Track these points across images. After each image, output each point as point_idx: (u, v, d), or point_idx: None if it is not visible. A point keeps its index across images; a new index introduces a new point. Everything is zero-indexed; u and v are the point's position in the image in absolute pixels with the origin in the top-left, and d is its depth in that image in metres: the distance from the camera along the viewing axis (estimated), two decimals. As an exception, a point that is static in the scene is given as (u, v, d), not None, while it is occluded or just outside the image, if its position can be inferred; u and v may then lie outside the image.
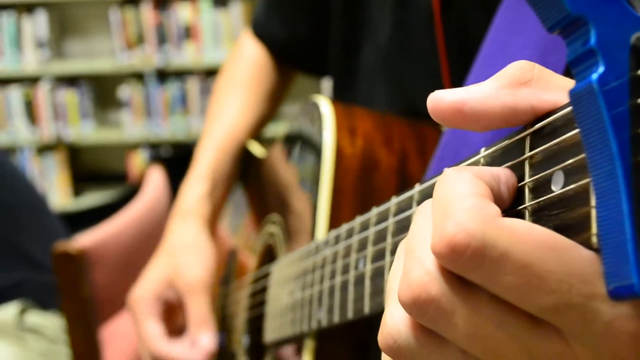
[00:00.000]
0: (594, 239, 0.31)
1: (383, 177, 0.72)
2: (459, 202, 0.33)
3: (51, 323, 1.71)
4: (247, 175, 1.05)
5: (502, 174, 0.36)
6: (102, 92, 4.06)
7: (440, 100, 0.37)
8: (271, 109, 1.11)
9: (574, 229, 0.32)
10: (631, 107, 0.29)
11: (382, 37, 0.86)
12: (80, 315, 1.43)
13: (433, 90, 0.81)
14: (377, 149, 0.73)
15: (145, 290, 0.93)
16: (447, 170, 0.36)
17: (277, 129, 0.88)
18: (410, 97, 0.83)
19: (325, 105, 0.76)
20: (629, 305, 0.31)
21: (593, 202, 0.31)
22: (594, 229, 0.31)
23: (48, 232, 1.80)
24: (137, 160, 3.90)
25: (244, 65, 1.10)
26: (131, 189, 2.06)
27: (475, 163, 0.40)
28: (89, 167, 4.15)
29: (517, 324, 0.33)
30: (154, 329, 0.91)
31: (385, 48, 0.85)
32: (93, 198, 3.77)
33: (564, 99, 0.34)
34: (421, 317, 0.34)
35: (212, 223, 1.00)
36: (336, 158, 0.71)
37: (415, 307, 0.34)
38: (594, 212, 0.31)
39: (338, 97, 0.98)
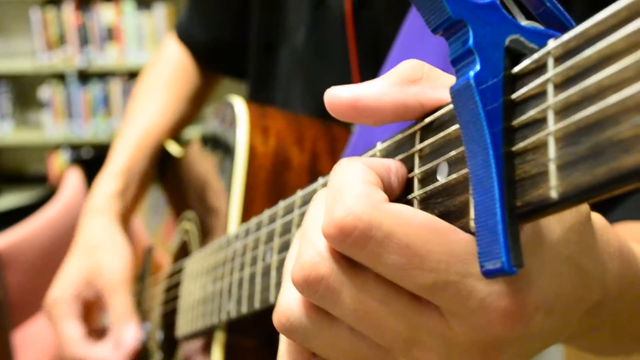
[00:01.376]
0: (472, 223, 0.33)
1: (295, 175, 0.74)
2: (348, 188, 0.35)
3: None
4: (165, 175, 1.06)
5: (393, 164, 0.38)
6: (22, 92, 3.96)
7: (336, 96, 0.38)
8: (192, 111, 1.11)
9: (455, 215, 0.35)
10: (504, 102, 0.32)
11: (299, 39, 0.88)
12: (-8, 318, 1.40)
13: None
14: (289, 148, 0.75)
15: (63, 291, 0.91)
16: (341, 160, 0.38)
17: (198, 131, 0.89)
18: (322, 101, 0.85)
19: (239, 105, 0.77)
20: (501, 283, 0.33)
21: (471, 190, 0.33)
22: (472, 214, 0.33)
23: None
24: (58, 162, 3.83)
25: (166, 67, 1.10)
26: (51, 190, 2.02)
27: (372, 156, 0.42)
28: (8, 168, 4.05)
29: (400, 302, 0.35)
30: (73, 331, 0.89)
31: (301, 50, 0.87)
32: (12, 199, 3.68)
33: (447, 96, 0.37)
34: (311, 295, 0.36)
35: (125, 220, 0.99)
36: (249, 156, 0.73)
37: (306, 285, 0.36)
38: (472, 199, 0.33)
39: (255, 98, 0.99)
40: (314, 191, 0.49)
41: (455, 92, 0.33)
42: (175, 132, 1.08)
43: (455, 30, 0.33)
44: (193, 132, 1.04)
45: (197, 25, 1.07)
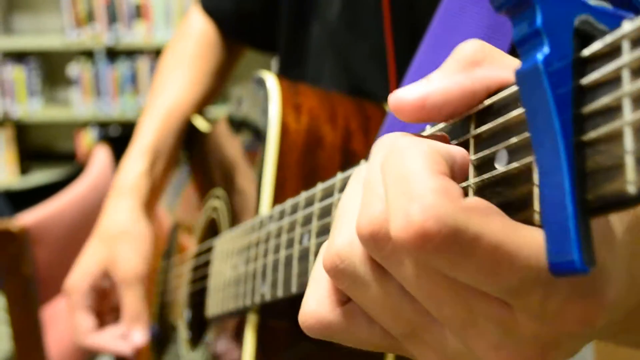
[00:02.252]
0: (536, 217, 0.31)
1: (327, 154, 0.71)
2: (420, 181, 0.30)
3: None
4: (191, 150, 1.03)
5: (458, 153, 0.34)
6: (51, 69, 3.95)
7: (402, 99, 0.35)
8: (217, 85, 1.08)
9: (516, 206, 0.32)
10: (574, 88, 0.29)
11: (331, 13, 0.85)
12: (22, 294, 1.39)
13: (378, 69, 0.80)
14: (322, 126, 0.72)
15: (80, 280, 0.92)
16: (400, 140, 0.34)
17: (226, 110, 0.87)
18: (355, 75, 0.83)
19: (271, 81, 0.74)
20: (583, 282, 0.31)
21: (536, 180, 0.31)
22: (536, 206, 0.31)
23: None
24: (86, 139, 3.81)
25: (191, 40, 1.06)
26: (78, 168, 2.01)
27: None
28: (37, 145, 4.05)
29: (464, 284, 0.32)
30: (85, 322, 0.91)
31: (334, 24, 0.84)
32: (40, 176, 3.68)
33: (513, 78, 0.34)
34: (374, 251, 0.33)
35: (151, 200, 0.97)
36: (281, 134, 0.70)
37: (372, 241, 0.33)
38: (536, 190, 0.31)
39: (285, 74, 0.96)
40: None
41: (521, 75, 0.30)
42: (201, 107, 1.05)
43: (522, 10, 0.30)
44: (221, 111, 1.01)
45: None
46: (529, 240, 0.30)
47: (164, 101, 1.01)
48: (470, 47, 0.35)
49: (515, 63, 0.35)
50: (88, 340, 0.91)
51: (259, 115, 0.74)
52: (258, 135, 0.74)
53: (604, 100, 0.28)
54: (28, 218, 1.40)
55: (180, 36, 1.09)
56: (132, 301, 0.89)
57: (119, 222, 0.92)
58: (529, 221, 0.31)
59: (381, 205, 0.33)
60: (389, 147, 0.34)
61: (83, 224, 1.58)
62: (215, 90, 1.08)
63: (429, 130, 0.39)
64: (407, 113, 0.35)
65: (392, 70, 0.77)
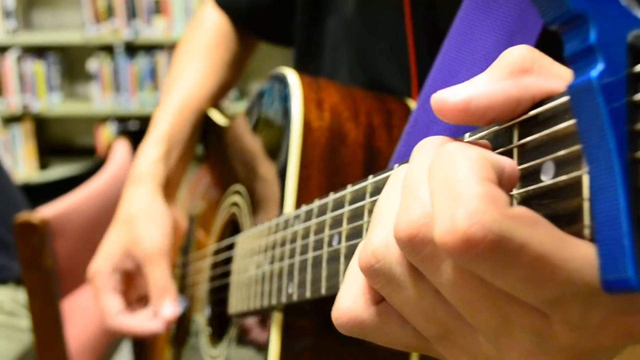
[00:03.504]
0: (587, 231, 0.30)
1: (350, 151, 0.70)
2: (468, 186, 0.29)
3: (7, 297, 1.66)
4: (208, 143, 1.02)
5: (507, 163, 0.33)
6: (71, 64, 3.95)
7: (445, 100, 0.34)
8: (232, 77, 1.06)
9: (565, 220, 0.31)
10: (628, 104, 0.28)
11: (348, 7, 0.83)
12: (42, 286, 1.38)
13: (396, 64, 0.78)
14: (345, 123, 0.71)
15: (103, 263, 0.90)
16: (448, 146, 0.33)
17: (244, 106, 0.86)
18: (373, 71, 0.81)
19: (292, 77, 0.73)
20: (630, 298, 0.30)
21: (585, 194, 0.30)
22: (586, 220, 0.30)
23: (9, 204, 1.73)
24: (106, 134, 3.80)
25: (206, 32, 1.05)
26: (98, 162, 2.00)
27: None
28: (57, 140, 4.05)
29: (502, 292, 0.31)
30: (112, 304, 0.88)
31: (350, 19, 0.83)
32: (60, 171, 3.67)
33: (559, 88, 0.33)
34: (412, 255, 0.33)
35: (168, 187, 0.95)
36: (304, 131, 0.69)
37: (410, 245, 0.32)
38: (586, 205, 0.30)
39: (300, 68, 0.94)
40: (387, 177, 0.45)
41: (574, 91, 0.29)
42: (216, 99, 1.04)
43: (574, 25, 0.29)
44: (240, 108, 0.99)
45: None
46: (575, 253, 0.29)
47: (180, 92, 0.99)
48: (519, 53, 0.34)
49: (564, 72, 0.34)
50: (117, 321, 0.88)
51: (281, 112, 0.73)
52: (280, 133, 0.72)
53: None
54: (48, 211, 1.39)
55: (194, 29, 1.07)
56: (157, 276, 0.86)
57: (137, 205, 0.91)
58: (578, 235, 0.30)
59: (421, 209, 0.32)
60: (437, 151, 0.33)
61: (103, 217, 1.58)
62: (231, 82, 1.07)
63: (468, 137, 0.38)
64: (450, 114, 0.34)
65: (413, 66, 0.75)
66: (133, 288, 0.91)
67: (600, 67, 0.28)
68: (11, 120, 3.83)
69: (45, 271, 1.38)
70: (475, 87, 0.34)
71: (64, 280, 1.43)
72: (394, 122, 0.73)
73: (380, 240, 0.35)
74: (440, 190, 0.30)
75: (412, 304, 0.35)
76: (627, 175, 0.27)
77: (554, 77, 0.34)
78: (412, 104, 0.75)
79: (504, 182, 0.33)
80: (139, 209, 0.90)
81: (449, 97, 0.34)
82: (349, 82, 0.83)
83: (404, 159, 0.67)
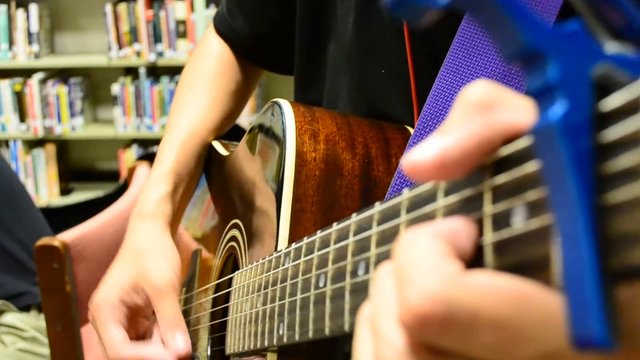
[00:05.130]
0: (556, 280, 0.28)
1: (346, 183, 0.68)
2: (417, 266, 0.30)
3: (28, 324, 1.66)
4: (211, 173, 1.01)
5: (460, 225, 0.32)
6: (94, 88, 3.99)
7: (417, 161, 0.32)
8: (237, 107, 1.05)
9: (535, 268, 0.29)
10: (593, 145, 0.26)
11: (348, 34, 0.82)
12: (61, 311, 1.37)
13: (396, 90, 0.76)
14: (340, 153, 0.69)
15: (110, 294, 0.86)
16: (403, 235, 0.33)
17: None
18: (373, 98, 0.80)
19: (286, 107, 0.72)
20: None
21: (555, 241, 0.28)
22: (554, 269, 0.28)
23: (32, 230, 1.75)
24: (128, 158, 3.82)
25: (209, 62, 1.04)
26: (120, 186, 2.01)
27: (435, 187, 0.36)
28: (79, 164, 4.08)
29: None
30: (118, 335, 0.84)
31: (350, 45, 0.81)
32: (83, 195, 3.69)
33: (529, 122, 0.31)
34: None
35: (174, 224, 0.94)
36: (297, 163, 0.67)
37: None
38: (554, 252, 0.28)
39: (301, 95, 0.93)
40: (370, 217, 0.44)
41: (536, 133, 0.27)
42: (221, 130, 1.02)
43: (534, 62, 0.27)
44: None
45: (237, 18, 1.01)
46: (540, 310, 0.28)
47: (184, 124, 0.98)
48: (478, 90, 0.32)
49: (530, 104, 0.32)
50: (123, 352, 0.83)
51: (275, 144, 0.72)
52: (274, 165, 0.71)
53: (625, 160, 0.25)
54: (69, 235, 1.40)
55: (197, 58, 1.07)
56: (168, 310, 0.83)
57: (146, 241, 0.89)
58: (548, 284, 0.28)
59: (389, 350, 0.31)
60: (397, 245, 0.33)
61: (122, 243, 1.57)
62: (236, 110, 1.05)
63: (406, 191, 0.37)
64: (427, 175, 0.32)
65: (413, 92, 0.74)
66: (132, 326, 0.89)
67: (561, 107, 0.26)
68: (34, 144, 3.88)
69: (65, 296, 1.37)
70: (445, 137, 0.32)
71: (84, 306, 1.42)
72: (393, 151, 0.72)
73: None
74: (398, 277, 0.31)
75: None
76: (593, 222, 0.26)
77: (519, 109, 0.32)
78: (412, 131, 0.73)
79: (463, 243, 0.32)
80: (148, 244, 0.88)
81: (421, 158, 0.32)
82: (349, 109, 0.82)
83: (402, 188, 0.66)
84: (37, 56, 3.76)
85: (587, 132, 0.26)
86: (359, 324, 0.36)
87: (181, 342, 0.82)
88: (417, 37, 0.73)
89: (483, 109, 0.32)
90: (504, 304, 0.28)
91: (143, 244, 0.88)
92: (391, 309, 0.32)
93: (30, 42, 3.76)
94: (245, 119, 3.40)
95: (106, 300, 0.86)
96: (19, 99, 3.78)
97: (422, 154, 0.32)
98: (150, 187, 0.93)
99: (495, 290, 0.28)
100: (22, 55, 3.76)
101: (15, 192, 1.79)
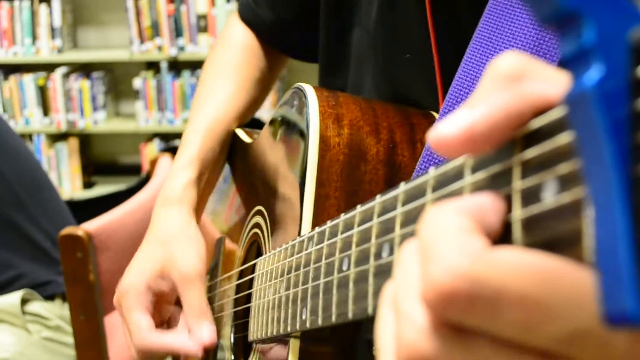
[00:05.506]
0: (587, 255, 0.27)
1: (371, 168, 0.68)
2: (441, 242, 0.29)
3: (53, 313, 1.68)
4: (234, 161, 1.00)
5: (488, 201, 0.32)
6: (116, 82, 4.01)
7: (444, 136, 0.31)
8: (261, 94, 1.05)
9: (566, 243, 0.28)
10: (630, 113, 0.25)
11: (372, 19, 0.81)
12: (85, 301, 1.38)
13: (421, 74, 0.75)
14: (364, 138, 0.68)
15: (136, 280, 0.86)
16: (428, 211, 0.32)
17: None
18: (398, 83, 0.79)
19: (310, 92, 0.71)
20: None
21: (587, 214, 0.27)
22: (586, 244, 0.27)
23: (57, 221, 1.76)
24: (150, 152, 3.85)
25: (233, 49, 1.03)
26: (143, 179, 2.02)
27: (462, 165, 0.35)
28: (102, 158, 4.11)
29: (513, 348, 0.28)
30: (144, 321, 0.83)
31: (374, 30, 0.81)
32: (105, 189, 3.72)
33: (560, 94, 0.30)
34: None
35: (198, 210, 0.93)
36: (321, 148, 0.67)
37: None
38: (587, 226, 0.27)
39: (325, 82, 0.92)
40: (394, 198, 0.43)
41: (570, 100, 0.26)
42: (245, 117, 1.02)
43: (570, 25, 0.26)
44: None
45: (262, 5, 1.00)
46: (568, 286, 0.27)
47: (209, 112, 0.98)
48: (507, 62, 0.31)
49: (561, 76, 0.31)
50: (148, 339, 0.82)
51: (298, 129, 0.71)
52: (297, 150, 0.70)
53: (665, 126, 0.24)
54: (92, 225, 1.40)
55: (222, 44, 1.06)
56: (194, 297, 0.83)
57: (172, 227, 0.88)
58: (580, 259, 0.27)
59: (410, 327, 0.30)
60: (421, 221, 0.32)
61: (145, 233, 1.57)
62: (260, 98, 1.05)
63: (432, 170, 0.36)
64: (453, 149, 0.31)
65: (438, 76, 0.73)
66: (157, 312, 0.88)
67: (596, 72, 0.25)
68: (57, 137, 3.91)
69: (89, 285, 1.38)
70: (472, 111, 0.31)
71: (107, 296, 1.42)
72: (418, 136, 0.71)
73: None
74: (421, 255, 0.30)
75: None
76: (629, 194, 0.25)
77: (550, 81, 0.31)
78: (437, 117, 0.72)
79: (490, 219, 0.31)
80: (175, 230, 0.87)
81: (448, 131, 0.31)
82: (374, 94, 0.81)
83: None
84: (60, 51, 3.79)
85: (623, 99, 0.25)
86: (381, 304, 0.35)
87: (207, 332, 0.81)
88: (440, 20, 0.72)
89: (512, 81, 0.31)
90: (532, 280, 0.27)
91: (169, 230, 0.88)
92: (414, 286, 0.31)
93: (53, 37, 3.79)
94: (266, 113, 3.40)
95: (133, 286, 0.85)
96: (42, 93, 3.82)
97: (449, 128, 0.31)
98: (175, 174, 0.92)
99: (523, 266, 0.27)
100: (45, 50, 3.79)
101: (40, 182, 1.80)
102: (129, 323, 0.84)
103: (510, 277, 0.27)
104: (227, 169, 1.04)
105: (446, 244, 0.29)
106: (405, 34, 0.77)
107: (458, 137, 0.31)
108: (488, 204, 0.32)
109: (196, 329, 0.82)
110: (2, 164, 1.69)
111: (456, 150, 0.31)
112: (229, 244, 0.98)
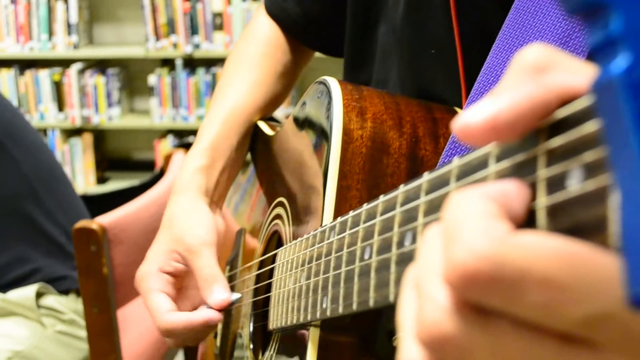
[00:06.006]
0: (613, 241, 0.28)
1: (393, 161, 0.68)
2: (465, 225, 0.30)
3: (67, 307, 1.69)
4: (256, 153, 1.01)
5: (512, 188, 0.32)
6: (131, 78, 4.03)
7: (469, 124, 0.32)
8: (284, 88, 1.05)
9: (591, 229, 0.29)
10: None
11: (398, 15, 0.82)
12: (98, 294, 1.39)
13: (446, 71, 0.76)
14: (387, 132, 0.69)
15: (148, 266, 0.88)
16: (452, 195, 0.33)
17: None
18: (422, 79, 0.79)
19: (334, 85, 0.72)
20: None
21: (611, 202, 0.28)
22: (612, 230, 0.28)
23: (72, 215, 1.77)
24: (164, 148, 3.87)
25: (257, 42, 1.04)
26: (156, 175, 2.03)
27: (487, 154, 0.36)
28: (116, 153, 4.14)
29: (545, 348, 0.29)
30: (159, 302, 0.85)
31: (400, 27, 0.81)
32: (119, 184, 3.74)
33: (586, 85, 0.31)
34: (441, 357, 0.31)
35: (213, 197, 0.94)
36: (344, 140, 0.68)
37: (432, 348, 0.31)
38: (611, 213, 0.28)
39: (350, 77, 0.93)
40: (418, 187, 0.44)
41: (597, 88, 0.27)
42: (266, 110, 1.02)
43: (598, 14, 0.27)
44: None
45: None
46: (592, 269, 0.28)
47: (228, 102, 0.98)
48: (534, 53, 0.32)
49: (587, 67, 0.32)
50: (166, 320, 0.84)
51: (322, 121, 0.72)
52: (320, 142, 0.71)
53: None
54: (106, 219, 1.41)
55: (246, 38, 1.07)
56: (202, 265, 0.84)
57: (178, 210, 0.90)
58: (605, 245, 0.28)
59: (432, 306, 0.31)
60: (446, 204, 0.33)
61: (158, 227, 1.58)
62: (283, 93, 1.05)
63: (456, 160, 0.36)
64: (478, 137, 0.32)
65: (461, 73, 0.73)
66: (185, 298, 0.90)
67: (623, 60, 0.26)
68: (71, 133, 3.93)
69: (102, 279, 1.39)
70: (497, 99, 0.32)
71: (120, 289, 1.44)
72: (441, 131, 0.71)
73: (406, 355, 0.33)
74: (444, 237, 0.31)
75: None
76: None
77: (576, 72, 0.31)
78: (460, 112, 0.73)
79: (514, 205, 0.32)
80: (182, 211, 0.89)
81: (472, 119, 0.32)
82: (399, 90, 0.82)
83: None
84: (75, 47, 3.82)
85: (651, 86, 0.26)
86: (403, 286, 0.36)
87: (218, 293, 0.82)
88: (466, 17, 0.72)
89: (538, 72, 0.32)
90: (556, 263, 0.27)
91: (176, 212, 0.89)
92: (437, 268, 0.32)
93: (69, 33, 3.81)
94: (280, 112, 3.41)
95: (146, 272, 0.88)
96: (58, 88, 3.85)
97: (474, 116, 0.32)
98: (186, 162, 0.94)
99: (547, 249, 0.28)
100: (61, 46, 3.82)
101: (57, 177, 1.82)
102: (148, 307, 0.87)
103: (535, 260, 0.28)
104: (251, 169, 1.05)
105: (470, 226, 0.30)
106: (430, 30, 0.78)
107: (483, 126, 0.31)
108: (512, 190, 0.32)
109: (207, 293, 0.83)
110: (20, 159, 1.71)
111: (481, 139, 0.32)
112: (249, 237, 0.99)
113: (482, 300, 0.29)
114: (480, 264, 0.28)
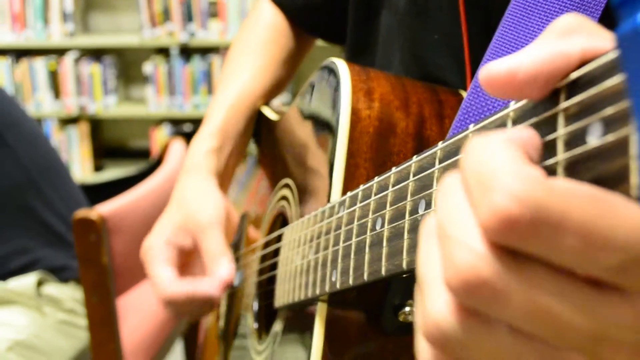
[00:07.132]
0: (634, 191, 0.28)
1: (399, 141, 0.69)
2: (501, 168, 0.30)
3: (67, 295, 1.69)
4: (260, 139, 1.02)
5: (526, 134, 0.33)
6: (127, 66, 4.03)
7: (493, 72, 0.33)
8: (287, 74, 1.07)
9: (612, 182, 0.30)
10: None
11: (400, 0, 0.82)
12: (98, 283, 1.40)
13: (450, 56, 0.77)
14: (394, 112, 0.70)
15: (156, 238, 0.89)
16: (473, 140, 0.32)
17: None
18: (427, 64, 0.80)
19: (342, 66, 0.73)
20: None
21: (632, 152, 0.28)
22: (633, 180, 0.28)
23: (71, 204, 1.77)
24: (160, 136, 3.87)
25: (261, 29, 1.06)
26: (152, 163, 2.03)
27: (504, 117, 0.37)
28: (112, 142, 4.14)
29: (581, 293, 0.29)
30: (164, 273, 0.86)
31: (404, 12, 0.82)
32: (115, 172, 3.74)
33: (607, 47, 0.32)
34: (474, 302, 0.31)
35: (221, 178, 0.96)
36: (352, 120, 0.68)
37: (467, 292, 0.30)
38: (633, 164, 0.28)
39: (354, 62, 0.93)
40: (432, 156, 0.44)
41: (621, 38, 0.27)
42: (270, 96, 1.04)
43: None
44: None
45: None
46: (625, 215, 0.28)
47: (234, 87, 1.00)
48: (565, 19, 0.34)
49: (610, 34, 0.33)
50: (168, 289, 0.85)
51: (330, 101, 0.73)
52: (328, 122, 0.72)
53: None
54: (106, 208, 1.41)
55: (249, 25, 1.08)
56: (211, 243, 0.85)
57: (191, 188, 0.91)
58: (626, 195, 0.29)
59: (467, 250, 0.31)
60: (464, 150, 0.33)
61: (159, 216, 1.59)
62: (286, 79, 1.07)
63: (513, 105, 0.37)
64: (499, 86, 0.33)
65: (467, 57, 0.74)
66: (187, 268, 0.90)
67: (648, 10, 0.27)
68: (67, 121, 3.94)
69: (102, 268, 1.39)
70: (522, 54, 0.33)
71: (120, 278, 1.44)
72: (446, 112, 0.72)
73: (432, 306, 0.33)
74: (475, 184, 0.31)
75: (493, 356, 0.32)
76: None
77: (599, 35, 0.33)
78: (465, 95, 0.73)
79: (531, 152, 0.32)
80: (193, 191, 0.91)
81: (496, 69, 0.33)
82: (402, 74, 0.82)
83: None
84: (71, 35, 3.82)
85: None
86: (421, 237, 0.36)
87: (224, 269, 0.84)
88: (471, 1, 0.73)
89: (565, 33, 0.33)
90: (593, 209, 0.28)
91: (188, 192, 0.91)
92: (466, 214, 0.31)
93: (64, 22, 3.81)
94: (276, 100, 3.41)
95: (153, 244, 0.89)
96: (54, 77, 3.84)
97: (499, 66, 0.33)
98: (197, 144, 0.96)
99: (584, 195, 0.28)
100: (57, 35, 3.82)
101: (55, 167, 1.82)
102: (151, 277, 0.88)
103: (572, 205, 0.28)
104: (249, 162, 1.05)
105: (505, 170, 0.29)
106: (435, 15, 0.78)
107: (506, 76, 0.33)
108: (531, 137, 0.33)
109: (214, 269, 0.84)
110: (19, 150, 1.71)
111: (503, 90, 0.33)
112: (254, 218, 0.99)
113: (519, 245, 0.29)
114: (520, 209, 0.28)
